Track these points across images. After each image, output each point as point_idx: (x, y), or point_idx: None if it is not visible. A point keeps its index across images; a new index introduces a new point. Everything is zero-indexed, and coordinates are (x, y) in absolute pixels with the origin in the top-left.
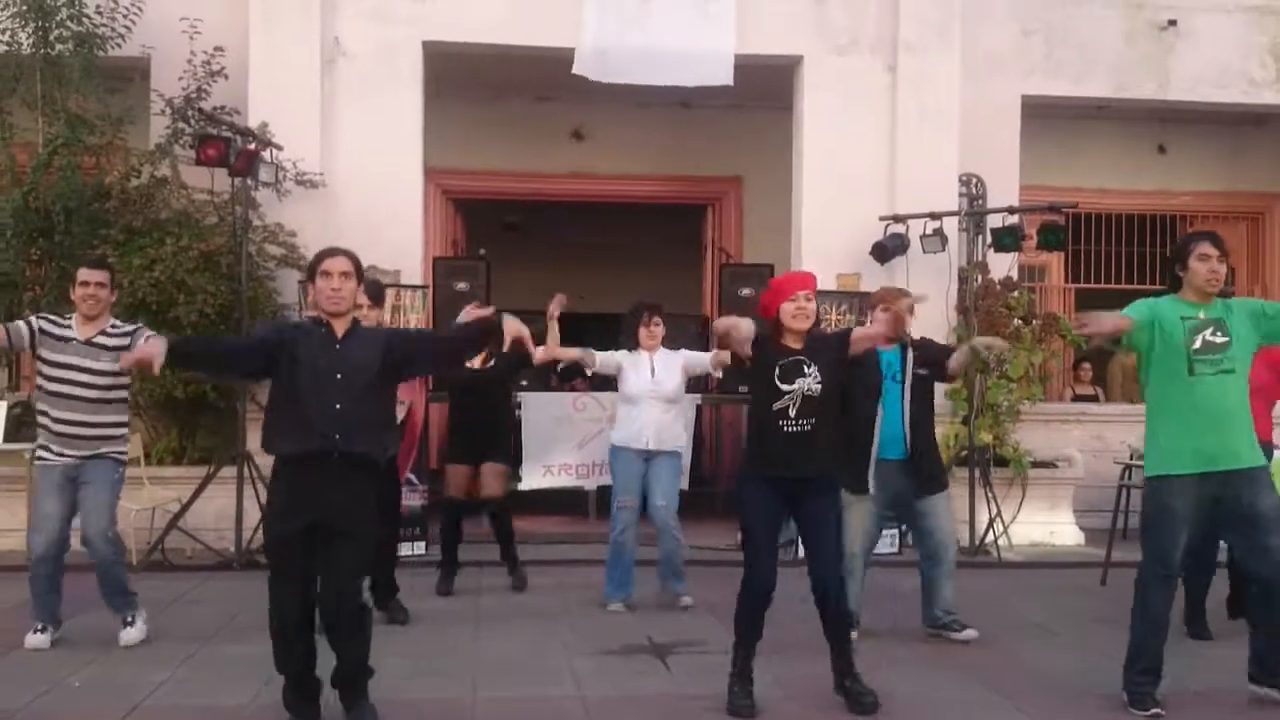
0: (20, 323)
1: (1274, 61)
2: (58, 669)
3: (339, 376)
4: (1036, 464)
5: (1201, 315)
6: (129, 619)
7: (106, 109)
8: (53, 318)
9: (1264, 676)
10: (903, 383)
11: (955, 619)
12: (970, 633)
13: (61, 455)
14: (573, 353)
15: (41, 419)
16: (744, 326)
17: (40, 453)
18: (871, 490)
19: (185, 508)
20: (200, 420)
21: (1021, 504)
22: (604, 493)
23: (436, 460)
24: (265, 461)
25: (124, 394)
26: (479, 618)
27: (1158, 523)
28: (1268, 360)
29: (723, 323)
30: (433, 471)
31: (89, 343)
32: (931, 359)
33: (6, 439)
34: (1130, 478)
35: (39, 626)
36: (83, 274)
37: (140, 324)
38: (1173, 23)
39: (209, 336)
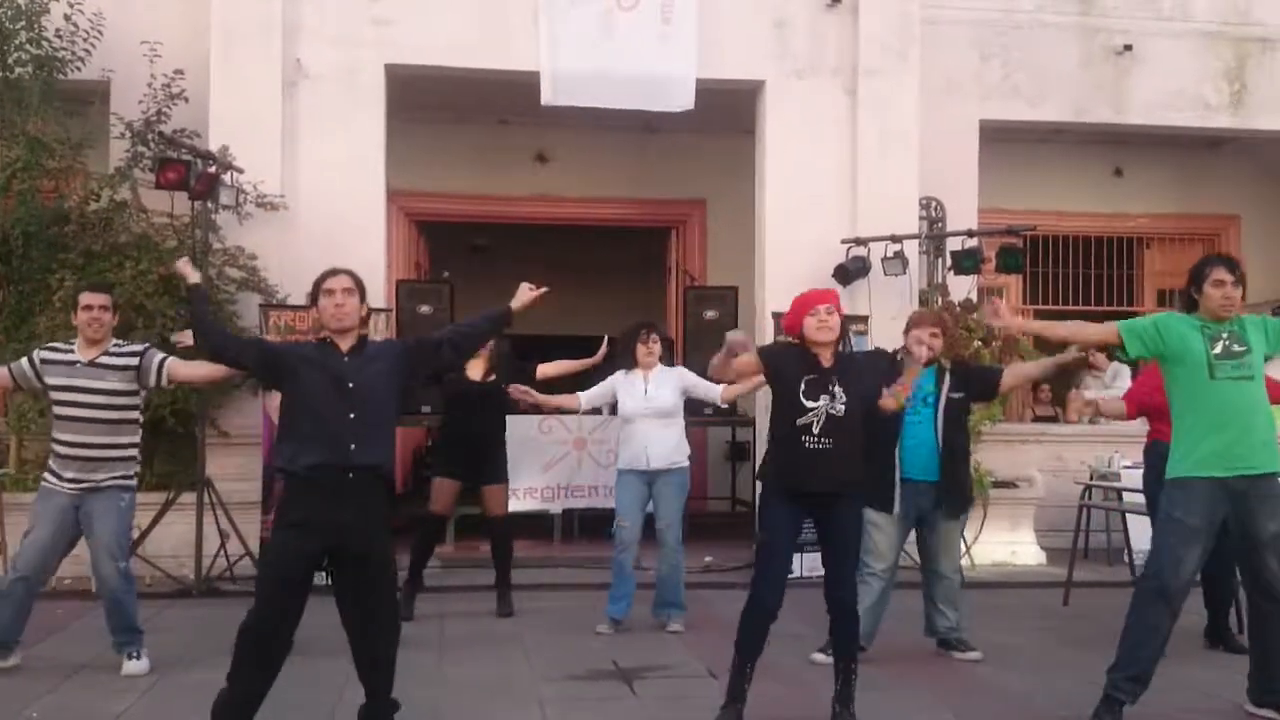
0: (21, 360)
1: (1228, 86)
2: (14, 699)
3: (351, 386)
4: (998, 484)
5: (1222, 331)
6: (134, 653)
7: (66, 133)
8: (53, 345)
9: (1258, 696)
10: (935, 406)
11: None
12: (975, 654)
13: (69, 480)
14: (557, 400)
15: (53, 444)
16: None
17: (46, 475)
18: (897, 510)
19: (144, 535)
20: (158, 446)
21: (983, 524)
22: (570, 516)
23: (402, 484)
24: (225, 488)
25: (135, 414)
26: (442, 643)
27: (1165, 537)
28: None
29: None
30: (398, 495)
31: (93, 364)
32: (977, 379)
33: None
34: (1090, 497)
35: None
36: (85, 298)
37: (149, 344)
38: (1128, 47)
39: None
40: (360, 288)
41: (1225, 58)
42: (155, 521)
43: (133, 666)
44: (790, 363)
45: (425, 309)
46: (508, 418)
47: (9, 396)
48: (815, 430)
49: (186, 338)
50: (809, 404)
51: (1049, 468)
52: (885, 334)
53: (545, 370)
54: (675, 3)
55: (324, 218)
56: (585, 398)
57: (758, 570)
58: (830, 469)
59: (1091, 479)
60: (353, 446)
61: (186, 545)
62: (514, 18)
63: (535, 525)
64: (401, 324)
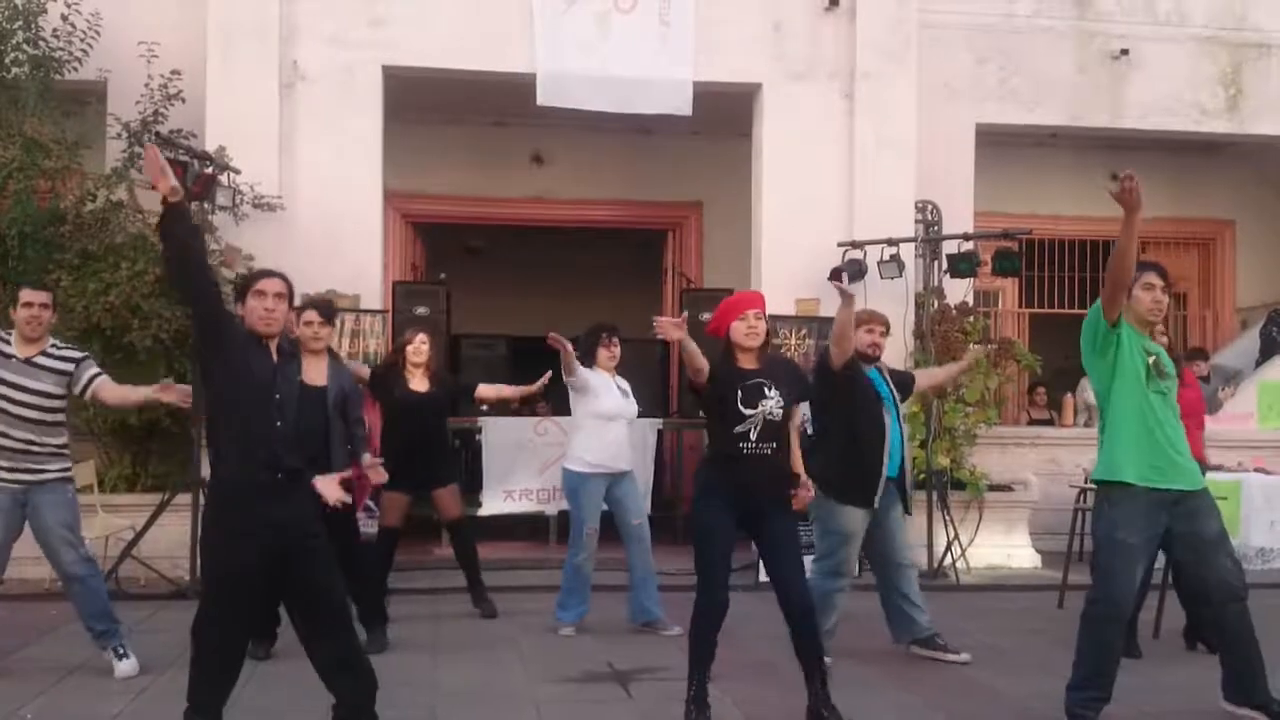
0: None
1: (1224, 91)
2: (8, 701)
3: (277, 397)
4: (993, 487)
5: (1148, 347)
6: (119, 649)
7: (62, 133)
8: None
9: (1240, 697)
10: (894, 406)
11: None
12: (965, 656)
13: (9, 474)
14: (573, 369)
15: None
16: (701, 360)
17: None
18: (876, 505)
19: (139, 535)
20: (153, 447)
21: (978, 527)
22: (564, 518)
23: None
24: None
25: (62, 416)
26: (436, 646)
27: (1110, 558)
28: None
29: (688, 347)
30: None
31: (29, 362)
32: (899, 383)
33: None
34: (1085, 501)
35: None
36: (25, 295)
37: (88, 354)
38: (1125, 52)
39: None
40: (291, 293)
41: (1221, 63)
42: (150, 522)
43: (124, 667)
44: (726, 372)
45: (422, 310)
46: (503, 419)
47: None
48: (753, 437)
49: (169, 393)
50: (747, 411)
51: (1044, 471)
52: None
53: (484, 392)
54: (673, 5)
55: (321, 219)
56: (581, 371)
57: (701, 574)
58: (771, 474)
59: (1086, 482)
60: (279, 451)
61: (181, 546)
62: (511, 19)
63: (530, 527)
64: (397, 325)
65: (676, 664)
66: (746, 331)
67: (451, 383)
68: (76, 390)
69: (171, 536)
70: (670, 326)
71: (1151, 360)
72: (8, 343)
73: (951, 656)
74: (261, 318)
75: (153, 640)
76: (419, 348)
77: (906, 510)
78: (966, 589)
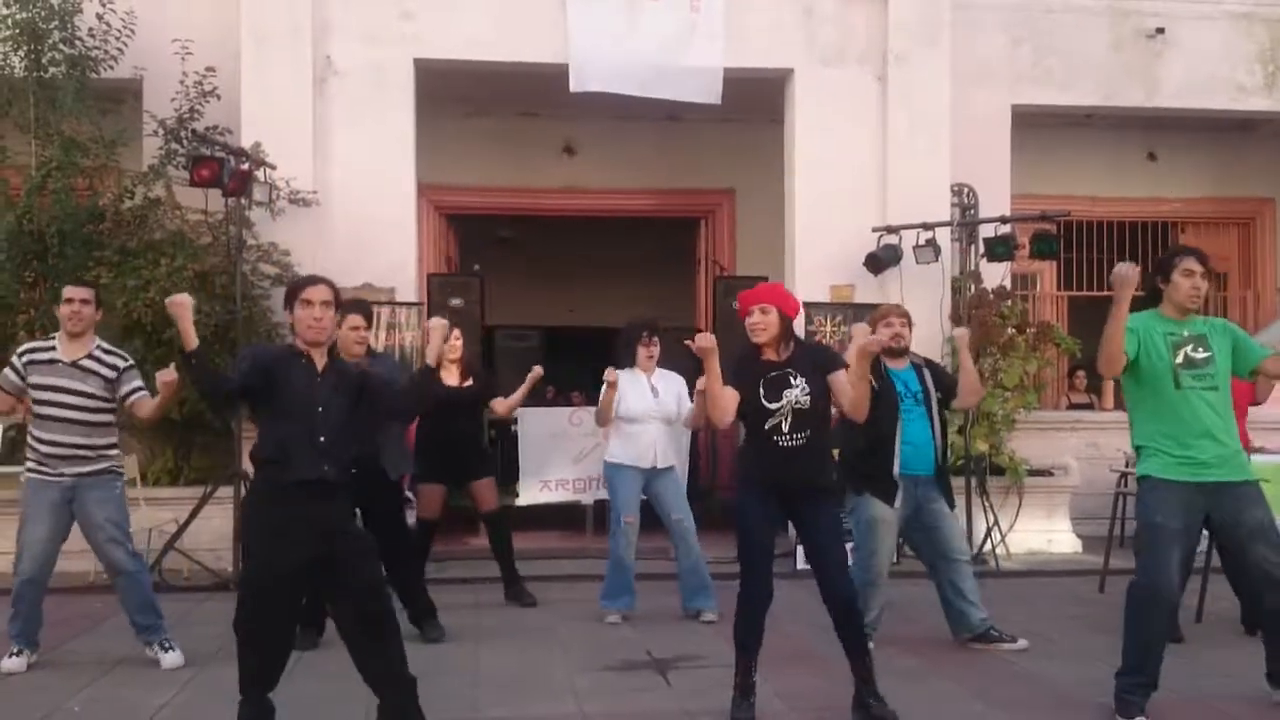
0: (5, 370)
1: (1261, 68)
2: (56, 694)
3: (320, 410)
4: (1033, 472)
5: (1185, 333)
6: (165, 643)
7: (99, 131)
8: (34, 344)
9: None
10: (926, 402)
11: (995, 626)
12: (1023, 642)
13: (57, 474)
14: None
15: (31, 441)
16: (725, 400)
17: (31, 471)
18: (898, 504)
19: (182, 528)
20: (196, 440)
21: (1018, 512)
22: (601, 507)
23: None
24: None
25: (111, 416)
26: (478, 635)
27: (1150, 542)
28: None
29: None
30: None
31: (75, 364)
32: (943, 385)
33: (1, 461)
34: (1126, 485)
35: (15, 650)
36: (67, 291)
37: (131, 361)
38: (1160, 31)
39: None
40: (337, 298)
41: (1259, 39)
42: (193, 515)
43: (170, 659)
44: (748, 367)
45: (456, 302)
46: (539, 410)
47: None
48: (785, 428)
49: (167, 374)
50: (771, 405)
51: (1084, 455)
52: (918, 322)
53: (498, 408)
54: None
55: (355, 212)
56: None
57: (744, 563)
58: (806, 464)
59: (1128, 466)
60: (326, 468)
61: (224, 539)
62: (541, 9)
63: (567, 517)
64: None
65: (715, 652)
66: (751, 327)
67: (485, 378)
68: (118, 397)
69: (214, 529)
70: (702, 341)
71: (1180, 357)
72: (53, 348)
73: (1008, 645)
74: (310, 326)
75: (197, 632)
76: (452, 344)
77: (949, 504)
78: (1007, 575)
